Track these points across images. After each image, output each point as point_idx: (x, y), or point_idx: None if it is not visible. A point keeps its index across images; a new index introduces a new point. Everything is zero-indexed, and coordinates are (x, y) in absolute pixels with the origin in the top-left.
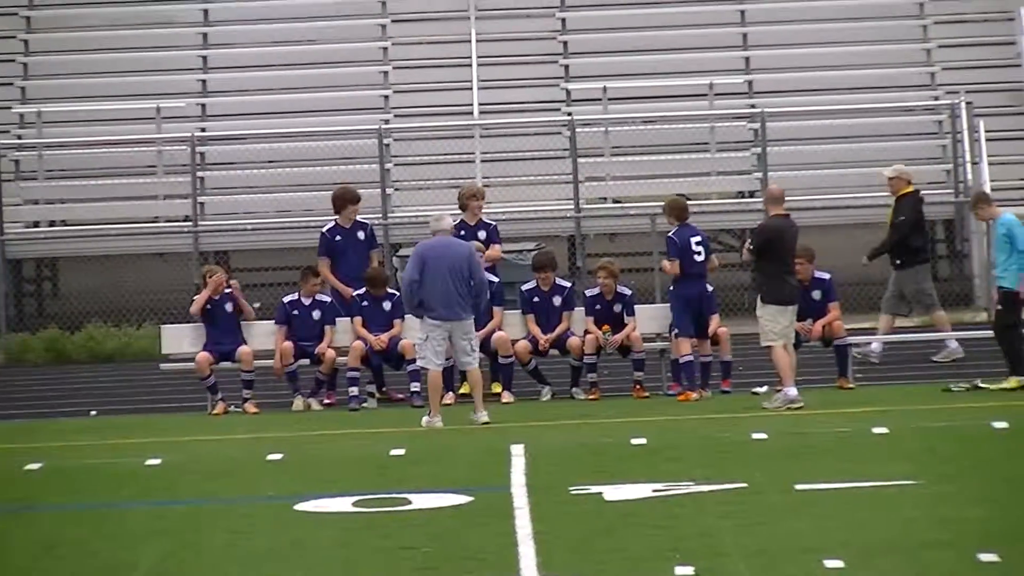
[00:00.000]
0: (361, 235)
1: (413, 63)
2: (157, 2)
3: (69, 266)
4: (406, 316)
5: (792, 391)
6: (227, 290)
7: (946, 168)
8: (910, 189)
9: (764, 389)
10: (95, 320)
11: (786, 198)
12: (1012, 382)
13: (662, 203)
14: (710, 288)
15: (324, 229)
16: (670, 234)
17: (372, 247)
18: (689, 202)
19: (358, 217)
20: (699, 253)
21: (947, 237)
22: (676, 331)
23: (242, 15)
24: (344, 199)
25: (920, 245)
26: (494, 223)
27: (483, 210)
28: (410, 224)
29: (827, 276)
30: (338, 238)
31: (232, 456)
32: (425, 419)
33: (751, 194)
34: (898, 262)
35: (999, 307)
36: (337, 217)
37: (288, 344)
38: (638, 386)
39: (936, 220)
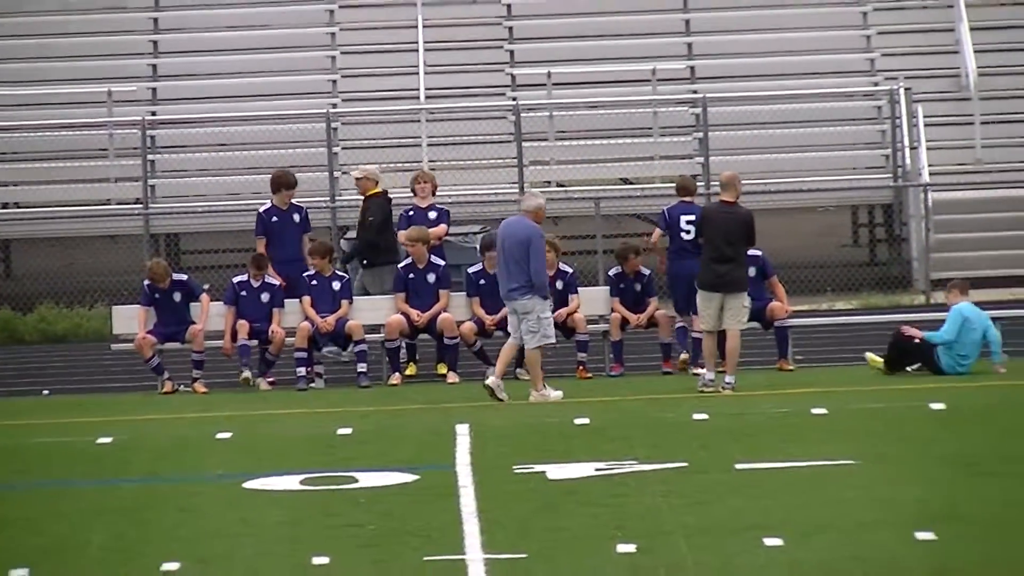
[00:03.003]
0: (296, 217)
1: (361, 48)
2: None
3: (21, 248)
4: (399, 294)
5: (709, 375)
6: (180, 277)
7: (885, 153)
8: (378, 190)
9: (701, 372)
10: (47, 301)
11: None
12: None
13: (606, 186)
14: (647, 271)
15: (261, 210)
16: (665, 208)
17: (305, 230)
18: (631, 186)
19: (294, 200)
20: (688, 231)
21: (886, 221)
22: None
23: (194, 0)
24: (279, 182)
25: (387, 246)
26: (446, 208)
27: (436, 194)
28: (357, 207)
29: (759, 253)
30: (274, 219)
31: (182, 435)
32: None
33: (694, 178)
34: (364, 262)
35: (905, 346)
36: (273, 198)
37: (244, 321)
38: (581, 367)
39: (875, 204)
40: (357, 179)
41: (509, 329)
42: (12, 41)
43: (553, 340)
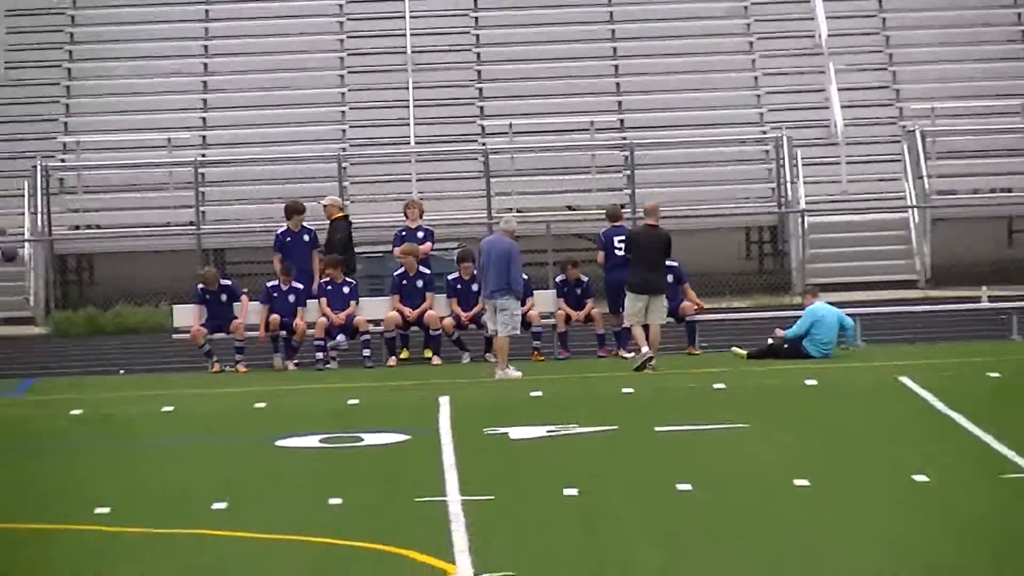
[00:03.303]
0: (306, 237)
1: (365, 104)
2: (163, 59)
3: (101, 260)
4: (394, 296)
5: (645, 348)
6: (226, 282)
7: (771, 186)
8: (341, 215)
9: (632, 355)
10: (122, 301)
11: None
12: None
13: (556, 212)
14: (585, 278)
15: (277, 231)
16: (600, 232)
17: (314, 247)
18: (572, 211)
19: (304, 223)
20: (619, 248)
21: (771, 239)
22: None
23: (235, 67)
24: (291, 210)
25: (349, 260)
26: (431, 229)
27: (423, 218)
28: (363, 228)
29: (676, 264)
30: (288, 239)
31: (226, 405)
32: (499, 372)
33: (622, 206)
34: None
35: (779, 346)
36: (288, 223)
37: (276, 316)
38: (536, 352)
39: (764, 226)
40: (324, 206)
41: (487, 322)
42: (94, 99)
43: (519, 332)
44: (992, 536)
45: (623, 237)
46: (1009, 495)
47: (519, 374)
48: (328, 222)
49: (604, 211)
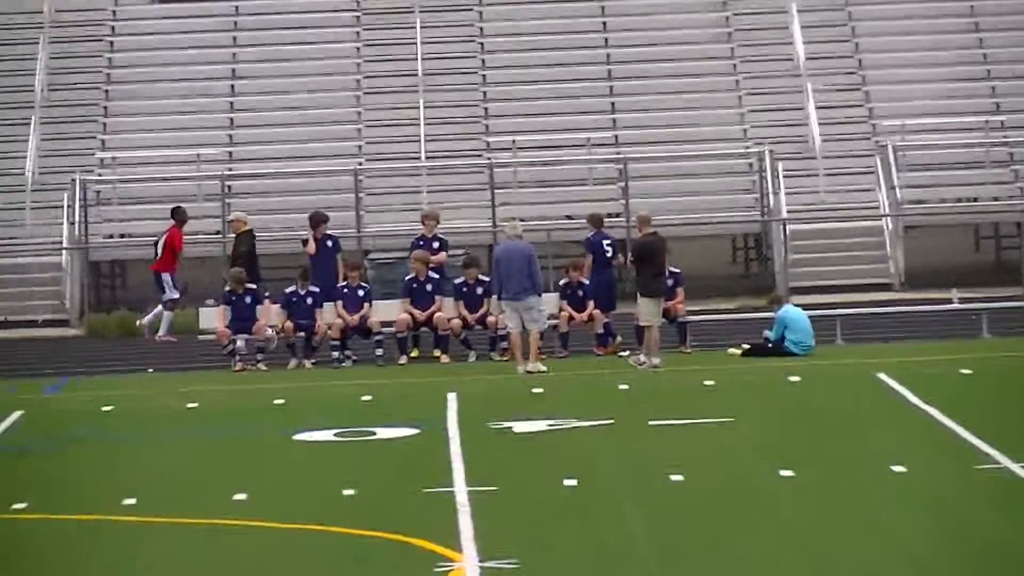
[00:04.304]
0: (330, 243)
1: (379, 123)
2: (193, 81)
3: (134, 266)
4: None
5: (655, 359)
6: (250, 285)
7: (755, 197)
8: (246, 228)
9: (627, 354)
10: (152, 305)
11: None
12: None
13: (555, 221)
14: (587, 281)
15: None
16: (587, 236)
17: (337, 251)
18: (572, 221)
19: (328, 231)
20: (608, 251)
21: (756, 246)
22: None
23: (259, 89)
24: (315, 219)
25: (252, 271)
26: (446, 238)
27: (438, 227)
28: (378, 236)
29: (678, 270)
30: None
31: (248, 401)
32: (520, 368)
33: (617, 215)
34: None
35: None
36: (313, 231)
37: (290, 324)
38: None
39: (748, 234)
40: (230, 221)
41: (508, 323)
42: (129, 119)
43: (547, 325)
44: (967, 525)
45: (609, 241)
46: (982, 484)
47: (545, 368)
48: (234, 235)
49: (587, 218)
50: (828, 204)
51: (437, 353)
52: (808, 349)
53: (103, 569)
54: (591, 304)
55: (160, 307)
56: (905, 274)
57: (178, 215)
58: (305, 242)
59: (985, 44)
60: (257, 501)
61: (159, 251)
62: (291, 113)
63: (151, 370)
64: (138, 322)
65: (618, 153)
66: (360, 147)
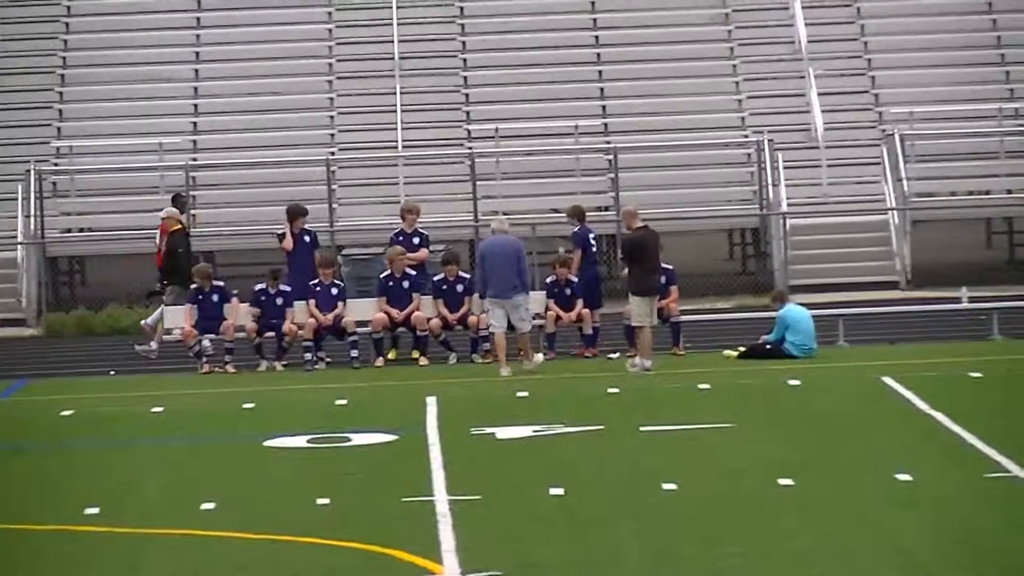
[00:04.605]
0: (307, 239)
1: (352, 109)
2: (155, 65)
3: (93, 262)
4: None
5: (647, 362)
6: (218, 283)
7: (753, 189)
8: (178, 227)
9: (616, 355)
10: (113, 303)
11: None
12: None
13: (541, 214)
14: (575, 279)
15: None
16: (574, 231)
17: (315, 247)
18: (559, 214)
19: (305, 225)
20: (594, 245)
21: (754, 241)
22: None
23: (225, 73)
24: (293, 212)
25: (184, 270)
26: (426, 233)
27: (417, 222)
28: (351, 230)
29: (671, 267)
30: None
31: (216, 405)
32: (504, 371)
33: (606, 208)
34: (164, 282)
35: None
36: (290, 225)
37: (252, 324)
38: (521, 352)
39: (746, 228)
40: (162, 219)
41: (491, 322)
42: (87, 104)
43: (531, 326)
44: (974, 535)
45: (594, 235)
46: (992, 495)
47: (541, 356)
48: (161, 234)
49: (568, 211)
50: (831, 197)
51: (415, 355)
52: (809, 352)
53: None
54: (579, 303)
55: (163, 307)
56: (912, 272)
57: (178, 202)
58: (281, 237)
59: (999, 26)
60: (226, 511)
61: (160, 244)
62: (259, 99)
63: (113, 372)
64: (142, 323)
65: (607, 142)
66: (332, 135)
